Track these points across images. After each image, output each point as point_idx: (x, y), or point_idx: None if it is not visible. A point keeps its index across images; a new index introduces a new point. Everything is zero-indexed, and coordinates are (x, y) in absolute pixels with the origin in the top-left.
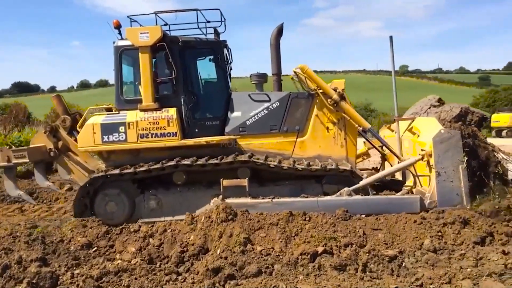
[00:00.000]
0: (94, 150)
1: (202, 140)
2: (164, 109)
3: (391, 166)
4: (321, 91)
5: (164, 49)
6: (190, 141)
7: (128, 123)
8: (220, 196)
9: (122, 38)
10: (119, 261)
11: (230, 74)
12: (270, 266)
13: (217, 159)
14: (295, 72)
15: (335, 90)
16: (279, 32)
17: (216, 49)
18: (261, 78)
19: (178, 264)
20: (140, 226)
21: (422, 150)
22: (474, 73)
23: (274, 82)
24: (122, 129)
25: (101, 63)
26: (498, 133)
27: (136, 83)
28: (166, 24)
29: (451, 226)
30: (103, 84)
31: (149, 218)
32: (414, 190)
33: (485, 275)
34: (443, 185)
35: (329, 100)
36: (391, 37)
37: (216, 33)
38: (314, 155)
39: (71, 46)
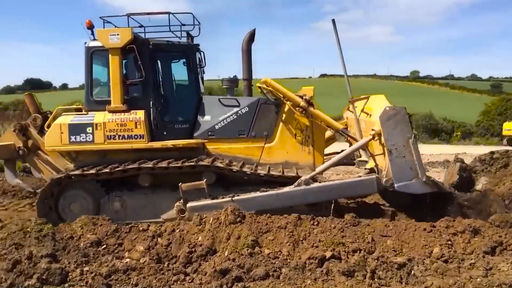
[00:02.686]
0: (61, 150)
1: (169, 143)
2: (132, 111)
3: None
4: (287, 100)
5: (134, 51)
6: (157, 144)
7: (96, 124)
8: (181, 200)
9: (94, 39)
10: (128, 260)
11: (202, 78)
12: (277, 269)
13: (177, 163)
14: (259, 87)
15: (302, 97)
16: (251, 37)
17: (188, 53)
18: (232, 83)
19: (186, 265)
20: (148, 225)
21: (372, 130)
22: (486, 80)
23: (245, 87)
24: (89, 130)
25: None
26: (510, 141)
27: (104, 84)
28: (141, 26)
29: (461, 235)
30: None
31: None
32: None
33: (495, 285)
34: (396, 162)
35: (297, 108)
36: (333, 20)
37: (190, 36)
38: (281, 161)
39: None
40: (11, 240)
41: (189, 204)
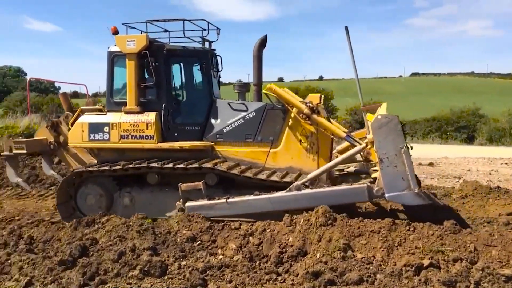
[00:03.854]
0: (82, 146)
1: (176, 144)
2: (145, 113)
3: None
4: (291, 106)
5: (147, 56)
6: (165, 145)
7: (112, 124)
8: (181, 200)
9: (115, 45)
10: (221, 256)
11: (219, 82)
12: (372, 275)
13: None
14: (266, 93)
15: (306, 104)
16: (262, 43)
17: (202, 58)
18: (243, 88)
19: (277, 264)
20: (240, 224)
21: (365, 137)
22: None
23: (254, 93)
24: (106, 129)
25: None
26: None
27: (123, 86)
28: (166, 31)
29: None
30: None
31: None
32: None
33: None
34: (388, 171)
35: (301, 115)
36: (346, 27)
37: (205, 42)
38: (286, 166)
39: None
40: (115, 232)
41: (188, 204)
